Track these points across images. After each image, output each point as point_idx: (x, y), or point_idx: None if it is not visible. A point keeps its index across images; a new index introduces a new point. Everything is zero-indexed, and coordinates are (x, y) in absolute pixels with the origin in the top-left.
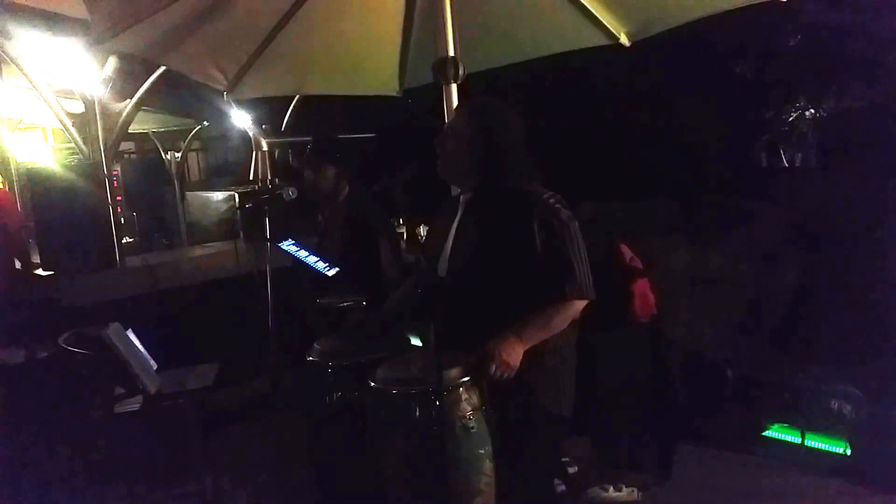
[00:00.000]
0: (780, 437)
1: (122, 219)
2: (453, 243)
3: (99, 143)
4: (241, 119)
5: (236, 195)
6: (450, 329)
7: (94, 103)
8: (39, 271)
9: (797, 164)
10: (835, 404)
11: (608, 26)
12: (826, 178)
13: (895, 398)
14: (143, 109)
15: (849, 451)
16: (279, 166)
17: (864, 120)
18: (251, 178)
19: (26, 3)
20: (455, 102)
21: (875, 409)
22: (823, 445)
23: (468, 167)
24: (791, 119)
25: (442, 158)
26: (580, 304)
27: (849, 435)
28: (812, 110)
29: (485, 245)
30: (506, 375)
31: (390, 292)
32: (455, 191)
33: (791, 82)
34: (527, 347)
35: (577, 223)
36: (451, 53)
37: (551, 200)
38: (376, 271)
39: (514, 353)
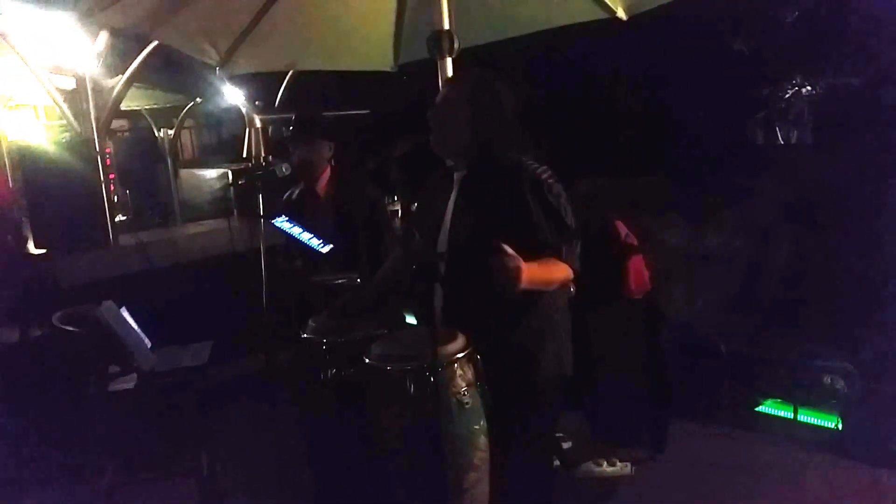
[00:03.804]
0: (773, 413)
1: (116, 197)
2: (452, 220)
3: (91, 119)
4: (234, 95)
5: (230, 172)
6: (450, 305)
7: (86, 79)
8: (32, 249)
9: (793, 142)
10: (827, 379)
11: (606, 0)
12: (821, 155)
13: (887, 373)
14: (136, 86)
15: (840, 426)
16: (273, 143)
17: (860, 97)
18: (245, 154)
19: None
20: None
21: (867, 385)
22: (816, 420)
23: (462, 142)
24: (787, 96)
25: (435, 133)
26: (569, 272)
27: (841, 410)
28: (809, 87)
29: (486, 221)
30: (507, 285)
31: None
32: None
33: (788, 59)
34: (525, 284)
35: (567, 196)
36: (446, 27)
37: (539, 171)
38: (375, 255)
39: (516, 273)
